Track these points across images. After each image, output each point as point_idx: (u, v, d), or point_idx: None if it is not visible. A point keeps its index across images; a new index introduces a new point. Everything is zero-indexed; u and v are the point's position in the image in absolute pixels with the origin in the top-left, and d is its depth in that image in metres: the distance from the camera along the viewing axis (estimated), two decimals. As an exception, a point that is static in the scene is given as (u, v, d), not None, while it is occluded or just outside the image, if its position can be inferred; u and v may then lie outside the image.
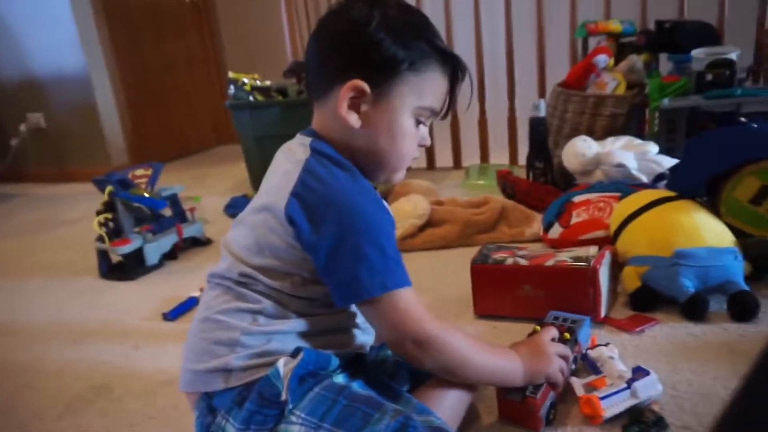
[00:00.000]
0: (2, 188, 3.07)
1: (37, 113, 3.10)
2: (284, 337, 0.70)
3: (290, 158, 0.72)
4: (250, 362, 0.68)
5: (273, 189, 0.71)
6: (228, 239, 0.76)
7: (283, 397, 0.64)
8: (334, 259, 0.65)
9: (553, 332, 0.85)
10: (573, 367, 0.84)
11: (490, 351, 0.75)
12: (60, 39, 2.91)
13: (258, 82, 2.26)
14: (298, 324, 0.71)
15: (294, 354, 0.67)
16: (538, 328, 0.88)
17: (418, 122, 0.73)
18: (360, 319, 0.77)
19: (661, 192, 1.20)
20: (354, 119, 0.70)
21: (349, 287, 0.66)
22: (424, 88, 0.71)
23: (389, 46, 0.68)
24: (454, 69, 0.73)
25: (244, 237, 0.72)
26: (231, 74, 2.31)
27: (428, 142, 0.77)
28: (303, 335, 0.71)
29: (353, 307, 0.75)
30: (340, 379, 0.71)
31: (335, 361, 0.71)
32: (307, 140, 0.73)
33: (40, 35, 2.94)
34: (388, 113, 0.70)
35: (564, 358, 0.80)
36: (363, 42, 0.68)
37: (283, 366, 0.66)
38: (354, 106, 0.70)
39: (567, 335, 0.86)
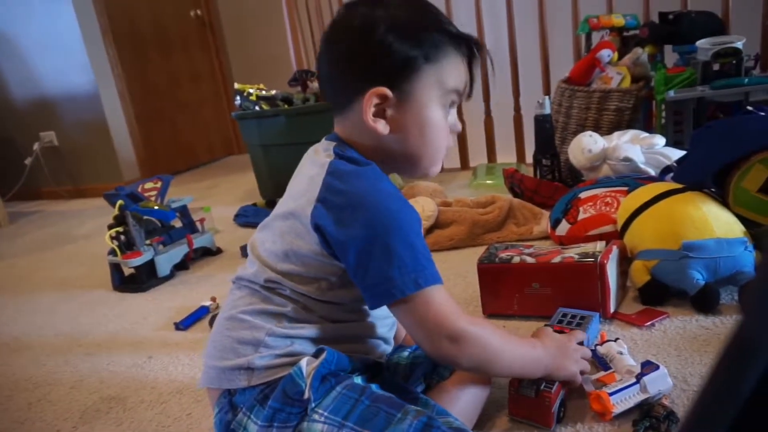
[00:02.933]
0: (17, 206, 3.13)
1: (49, 132, 3.17)
2: (307, 341, 0.70)
3: (315, 162, 0.72)
4: (274, 362, 0.69)
5: (298, 194, 0.71)
6: (255, 243, 0.76)
7: (306, 395, 0.65)
8: (365, 260, 0.65)
9: (582, 336, 0.85)
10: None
11: (517, 341, 0.75)
12: (70, 60, 2.97)
13: (263, 92, 2.28)
14: (322, 329, 0.71)
15: (316, 354, 0.68)
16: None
17: (446, 109, 0.73)
18: (382, 330, 0.77)
19: (668, 184, 1.18)
20: (382, 126, 0.70)
21: (382, 287, 0.65)
22: (444, 74, 0.70)
23: (400, 47, 0.68)
24: (469, 48, 0.73)
25: (271, 242, 0.73)
26: (237, 85, 2.33)
27: (459, 128, 0.77)
28: (325, 340, 0.71)
29: (376, 316, 0.75)
30: (359, 380, 0.71)
31: (353, 364, 0.71)
32: (331, 145, 0.73)
33: (51, 57, 3.00)
34: (415, 111, 0.70)
35: (586, 359, 0.80)
36: (373, 50, 0.68)
37: (306, 365, 0.66)
38: (379, 112, 0.70)
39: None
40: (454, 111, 0.75)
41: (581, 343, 0.84)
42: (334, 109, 0.74)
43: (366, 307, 0.73)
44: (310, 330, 0.71)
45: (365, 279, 0.66)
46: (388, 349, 0.80)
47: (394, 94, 0.69)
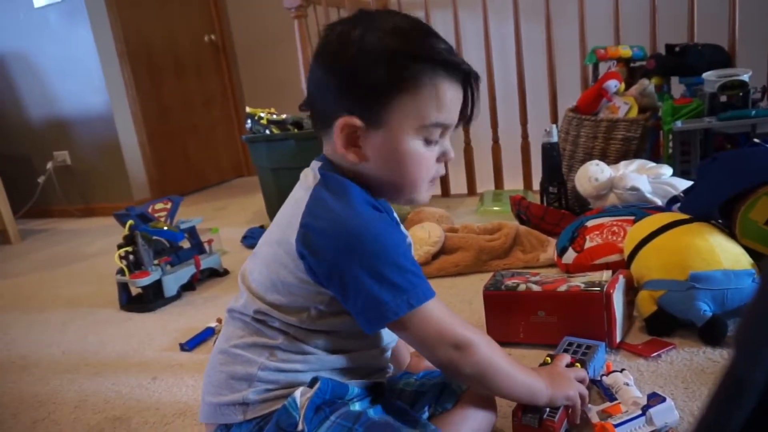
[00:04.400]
0: (29, 224, 3.16)
1: (63, 151, 3.22)
2: (302, 375, 0.69)
3: (303, 185, 0.72)
4: (268, 395, 0.69)
5: (284, 220, 0.71)
6: (245, 272, 0.75)
7: (300, 427, 0.64)
8: (354, 286, 0.64)
9: (566, 359, 0.85)
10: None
11: (516, 363, 0.74)
12: (86, 81, 3.04)
13: (274, 116, 2.31)
14: (317, 360, 0.70)
15: (311, 384, 0.67)
16: (549, 359, 0.87)
17: (428, 141, 0.69)
18: (385, 351, 0.76)
19: (675, 215, 1.19)
20: (353, 156, 0.68)
21: (375, 312, 0.64)
22: (424, 106, 0.66)
23: (371, 73, 0.64)
24: (465, 77, 0.68)
25: (258, 272, 0.72)
26: (248, 109, 2.37)
27: (451, 156, 0.72)
28: (321, 371, 0.70)
29: (377, 340, 0.75)
30: (356, 406, 0.71)
31: (354, 390, 0.71)
32: (317, 165, 0.72)
33: (67, 78, 3.07)
34: (388, 142, 0.67)
35: (581, 381, 0.80)
36: (344, 74, 0.66)
37: (300, 396, 0.66)
38: (352, 141, 0.67)
39: (578, 365, 0.85)
40: (445, 140, 0.71)
41: (570, 365, 0.84)
42: (319, 132, 0.72)
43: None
44: (303, 364, 0.70)
45: (357, 305, 0.65)
46: (389, 371, 0.79)
47: (365, 123, 0.66)
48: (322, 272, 0.65)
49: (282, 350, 0.69)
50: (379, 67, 0.64)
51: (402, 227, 0.76)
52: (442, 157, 0.71)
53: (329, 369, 0.71)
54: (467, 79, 0.69)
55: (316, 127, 0.73)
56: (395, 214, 0.78)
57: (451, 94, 0.67)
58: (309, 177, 0.72)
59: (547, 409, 0.75)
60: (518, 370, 0.73)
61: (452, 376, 0.72)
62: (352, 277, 0.64)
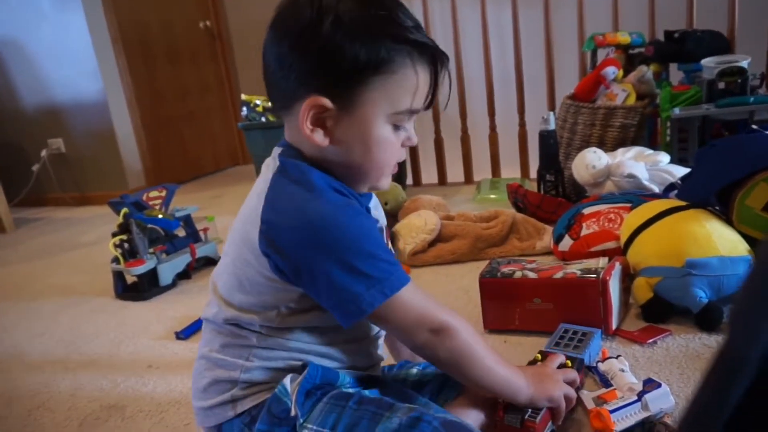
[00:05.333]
0: (23, 212, 3.14)
1: (57, 139, 3.19)
2: (283, 372, 0.67)
3: (263, 175, 0.67)
4: (255, 389, 0.68)
5: (246, 214, 0.67)
6: (214, 277, 0.73)
7: (293, 412, 0.63)
8: (325, 281, 0.61)
9: (560, 359, 0.83)
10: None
11: (498, 356, 0.72)
12: (79, 68, 3.00)
13: (270, 104, 2.29)
14: (298, 356, 0.68)
15: (300, 370, 0.67)
16: (539, 356, 0.85)
17: (397, 127, 0.66)
18: (370, 346, 0.74)
19: (671, 201, 1.18)
20: (320, 137, 0.63)
21: (350, 305, 0.61)
22: (396, 90, 0.62)
23: (346, 51, 0.59)
24: (432, 57, 0.64)
25: (226, 274, 0.70)
26: (244, 96, 2.35)
27: (414, 142, 0.68)
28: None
29: (360, 332, 0.72)
30: (349, 390, 0.69)
31: (344, 378, 0.70)
32: (278, 152, 0.68)
33: (60, 65, 3.03)
34: (358, 126, 0.63)
35: (571, 383, 0.77)
36: (316, 50, 0.60)
37: (290, 382, 0.65)
38: (318, 121, 0.63)
39: (569, 363, 0.83)
40: (410, 125, 0.68)
41: (563, 366, 0.81)
42: (279, 112, 0.67)
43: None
44: (285, 361, 0.68)
45: (330, 300, 0.62)
46: (378, 359, 0.77)
47: (335, 105, 0.61)
48: (290, 270, 0.62)
49: (260, 348, 0.68)
50: (357, 44, 0.59)
51: (373, 212, 0.72)
52: (406, 142, 0.68)
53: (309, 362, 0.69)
54: (435, 61, 0.64)
55: (276, 108, 0.68)
56: (375, 199, 0.75)
57: (422, 78, 0.64)
58: (270, 166, 0.67)
59: (529, 410, 0.72)
60: (497, 362, 0.70)
61: (428, 359, 0.70)
62: (321, 272, 0.61)
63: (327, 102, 0.61)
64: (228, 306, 0.69)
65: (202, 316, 0.75)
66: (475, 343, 0.68)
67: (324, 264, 0.61)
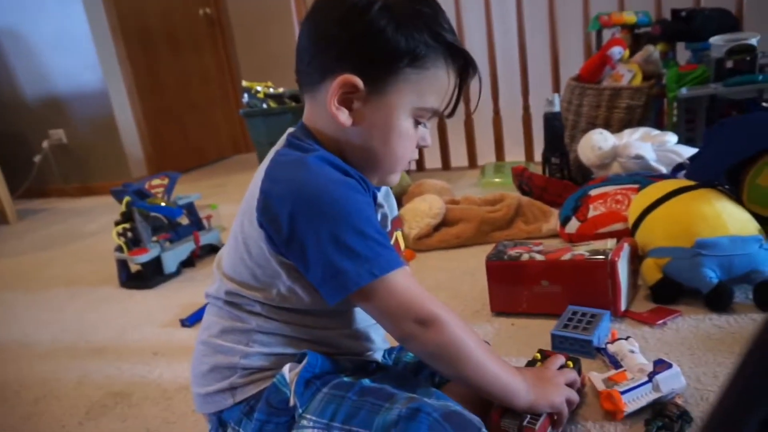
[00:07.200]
0: (26, 204, 3.14)
1: (58, 130, 3.18)
2: (283, 358, 0.67)
3: (269, 155, 0.68)
4: (255, 376, 0.67)
5: (250, 189, 0.67)
6: (220, 254, 0.73)
7: (292, 402, 0.63)
8: (314, 254, 0.60)
9: (560, 360, 0.78)
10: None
11: (494, 355, 0.69)
12: (80, 58, 2.99)
13: (271, 90, 2.28)
14: (297, 341, 0.68)
15: (299, 359, 0.66)
16: (538, 355, 0.81)
17: (417, 123, 0.67)
18: (367, 330, 0.72)
19: (680, 182, 1.17)
20: (344, 117, 0.64)
21: (336, 281, 0.60)
22: (426, 86, 0.64)
23: (389, 37, 0.61)
24: (464, 66, 0.66)
25: (228, 249, 0.70)
26: (244, 83, 2.32)
27: (428, 143, 0.70)
28: (304, 348, 0.68)
29: (357, 318, 0.71)
30: (349, 379, 0.68)
31: (344, 365, 0.69)
32: (289, 131, 0.69)
33: (60, 55, 3.01)
34: (383, 112, 0.64)
35: (572, 385, 0.74)
36: (359, 30, 0.62)
37: (289, 371, 0.64)
38: (345, 101, 0.64)
39: (570, 363, 0.79)
40: (428, 126, 0.69)
41: (563, 367, 0.77)
42: (304, 88, 0.68)
43: (341, 310, 0.69)
44: (283, 347, 0.67)
45: (317, 274, 0.61)
46: (378, 347, 0.75)
47: (366, 88, 0.63)
48: (281, 240, 0.62)
49: (260, 333, 0.67)
50: (400, 32, 0.62)
51: (382, 200, 0.72)
52: (421, 142, 0.69)
53: (309, 346, 0.68)
54: (466, 68, 0.67)
55: (305, 80, 0.67)
56: (387, 188, 0.74)
57: (452, 81, 0.66)
58: (278, 144, 0.69)
59: (528, 416, 0.67)
60: (493, 362, 0.66)
61: (416, 353, 0.66)
62: (311, 244, 0.60)
63: (359, 82, 0.62)
64: (229, 280, 0.68)
65: (205, 291, 0.74)
66: (469, 341, 0.64)
67: (313, 236, 0.60)
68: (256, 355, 0.67)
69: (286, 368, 0.64)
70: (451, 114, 0.69)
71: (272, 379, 0.65)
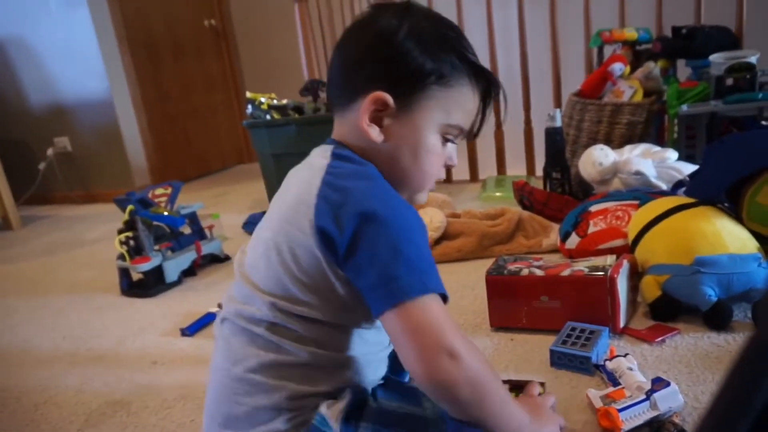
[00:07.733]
0: (30, 211, 3.16)
1: (63, 137, 3.20)
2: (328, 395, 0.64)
3: (312, 165, 0.68)
4: (301, 419, 0.63)
5: (292, 199, 0.66)
6: (245, 267, 0.69)
7: None
8: (370, 259, 0.59)
9: (537, 388, 0.82)
10: None
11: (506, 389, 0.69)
12: (85, 66, 3.01)
13: (275, 101, 2.29)
14: (356, 375, 0.66)
15: (335, 393, 0.64)
16: (515, 393, 0.82)
17: (446, 140, 0.70)
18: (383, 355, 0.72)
19: (680, 199, 1.17)
20: (375, 133, 0.66)
21: (387, 288, 0.58)
22: (452, 104, 0.67)
23: (416, 57, 0.65)
24: (487, 86, 0.70)
25: (265, 266, 0.65)
26: (248, 94, 2.34)
27: (455, 163, 0.73)
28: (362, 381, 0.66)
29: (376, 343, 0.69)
30: (376, 403, 0.66)
31: (368, 389, 0.68)
32: (329, 147, 0.69)
33: (67, 63, 3.04)
34: (412, 128, 0.67)
35: (552, 408, 0.77)
36: (389, 52, 0.66)
37: (327, 409, 0.62)
38: (376, 119, 0.67)
39: (542, 390, 0.83)
40: (453, 145, 0.72)
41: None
42: (335, 108, 0.71)
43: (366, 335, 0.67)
44: (331, 381, 0.64)
45: (370, 278, 0.59)
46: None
47: (396, 105, 0.66)
48: (343, 243, 0.60)
49: (310, 367, 0.63)
50: (426, 53, 0.65)
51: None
52: (448, 161, 0.72)
53: (366, 381, 0.66)
54: (488, 88, 0.70)
55: (337, 100, 0.70)
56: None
57: (477, 99, 0.70)
58: (318, 157, 0.68)
59: None
60: (510, 398, 0.65)
61: (436, 388, 0.59)
62: (369, 250, 0.59)
63: (389, 99, 0.65)
64: (267, 294, 0.64)
65: (224, 313, 0.69)
66: (493, 374, 0.62)
67: (372, 241, 0.59)
68: (305, 395, 0.63)
69: (323, 407, 0.62)
70: (477, 134, 0.73)
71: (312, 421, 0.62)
